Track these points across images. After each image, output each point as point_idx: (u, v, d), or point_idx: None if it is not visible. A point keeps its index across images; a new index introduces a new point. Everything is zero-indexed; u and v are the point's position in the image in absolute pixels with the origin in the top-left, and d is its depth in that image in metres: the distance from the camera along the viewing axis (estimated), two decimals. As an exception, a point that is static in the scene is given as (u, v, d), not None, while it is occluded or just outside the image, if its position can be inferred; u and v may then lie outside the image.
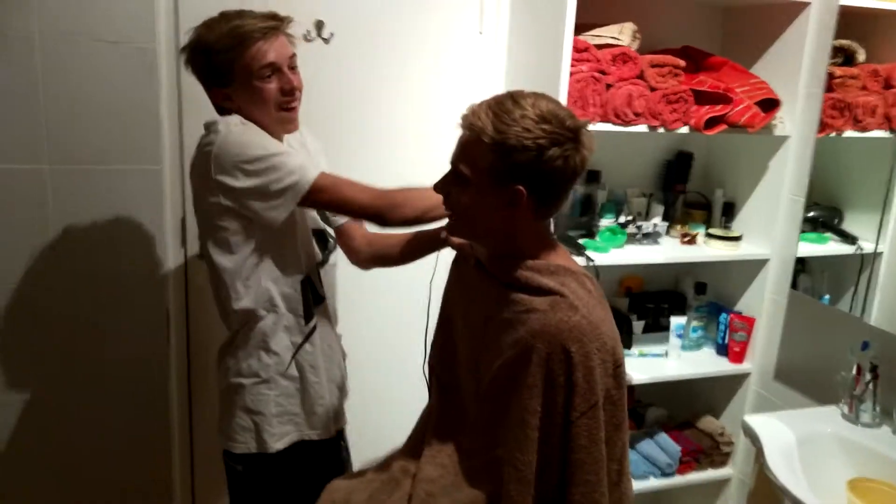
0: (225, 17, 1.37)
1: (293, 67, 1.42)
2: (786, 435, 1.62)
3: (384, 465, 1.41)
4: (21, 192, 1.72)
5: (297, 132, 1.50)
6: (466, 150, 1.15)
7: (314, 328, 1.51)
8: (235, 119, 1.38)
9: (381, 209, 1.39)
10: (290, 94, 1.40)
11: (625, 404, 1.20)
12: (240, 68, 1.35)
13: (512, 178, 1.13)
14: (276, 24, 1.37)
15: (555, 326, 1.12)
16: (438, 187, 1.21)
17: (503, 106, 1.12)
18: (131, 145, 1.77)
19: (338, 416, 1.60)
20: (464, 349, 1.31)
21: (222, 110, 1.42)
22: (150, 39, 1.71)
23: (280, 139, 1.45)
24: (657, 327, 2.13)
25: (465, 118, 1.15)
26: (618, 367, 1.17)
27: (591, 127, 1.77)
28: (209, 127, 1.38)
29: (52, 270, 1.78)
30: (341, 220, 1.62)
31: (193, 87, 1.45)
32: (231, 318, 1.46)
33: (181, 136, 1.81)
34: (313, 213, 1.56)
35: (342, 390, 1.62)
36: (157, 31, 1.72)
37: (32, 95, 1.68)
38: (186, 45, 1.40)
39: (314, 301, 1.51)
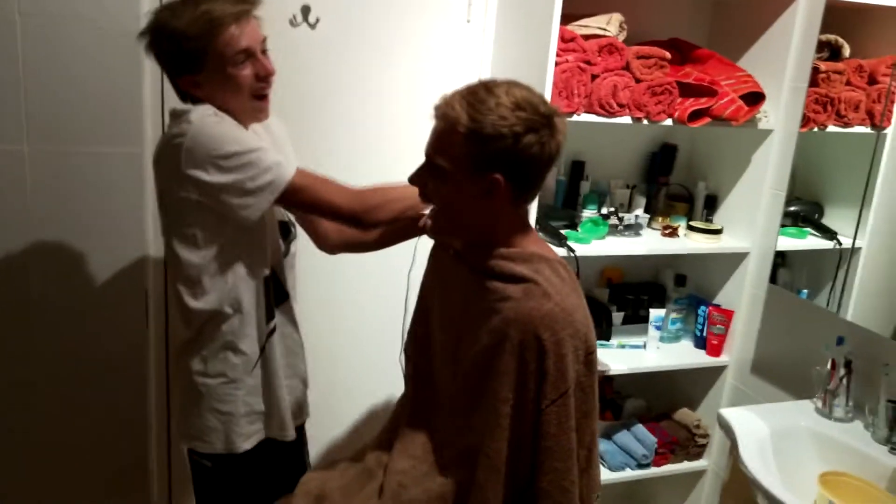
0: (190, 0, 1.30)
1: (265, 51, 1.37)
2: (760, 428, 1.63)
3: (358, 455, 1.41)
4: (-1, 172, 1.70)
5: None
6: (441, 141, 1.14)
7: (277, 324, 1.47)
8: (209, 109, 1.31)
9: (357, 213, 1.36)
10: (264, 80, 1.36)
11: (596, 392, 1.20)
12: (213, 54, 1.29)
13: (489, 167, 1.12)
14: (246, 7, 1.31)
15: (527, 314, 1.12)
16: (414, 179, 1.20)
17: (477, 95, 1.11)
18: (112, 127, 1.75)
19: (301, 410, 1.58)
20: (441, 339, 1.31)
21: (187, 97, 1.36)
22: (132, 20, 1.68)
23: (247, 127, 1.40)
24: (637, 319, 2.14)
25: (438, 108, 1.14)
26: (590, 355, 1.17)
27: (575, 118, 1.81)
28: (179, 116, 1.31)
29: (30, 252, 1.77)
30: None
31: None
32: (193, 316, 1.39)
33: (163, 118, 1.79)
34: None
35: (305, 383, 1.59)
36: (140, 12, 1.69)
37: (12, 75, 1.66)
38: (147, 30, 1.33)
39: (279, 296, 1.47)
